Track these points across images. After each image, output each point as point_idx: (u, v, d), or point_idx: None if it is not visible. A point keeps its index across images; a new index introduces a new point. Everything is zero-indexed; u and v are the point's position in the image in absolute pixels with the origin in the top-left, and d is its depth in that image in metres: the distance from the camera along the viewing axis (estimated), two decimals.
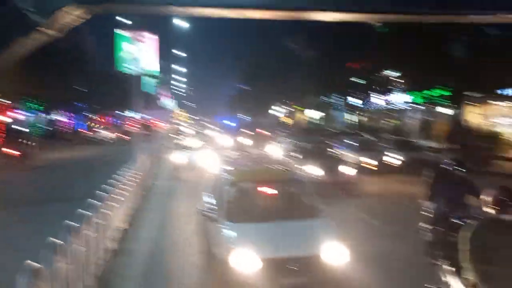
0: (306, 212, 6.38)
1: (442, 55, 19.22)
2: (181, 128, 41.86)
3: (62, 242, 4.45)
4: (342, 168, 13.31)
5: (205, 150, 18.37)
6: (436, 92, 22.43)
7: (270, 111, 62.51)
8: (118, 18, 15.31)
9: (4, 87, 22.18)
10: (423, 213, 6.54)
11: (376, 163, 16.45)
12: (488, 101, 24.99)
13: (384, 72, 28.40)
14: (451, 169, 6.45)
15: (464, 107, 22.30)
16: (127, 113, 67.11)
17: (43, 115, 37.19)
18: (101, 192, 6.88)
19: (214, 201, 6.81)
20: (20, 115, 31.75)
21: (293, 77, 41.32)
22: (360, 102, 33.17)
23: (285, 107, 57.18)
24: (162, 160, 21.79)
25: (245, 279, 5.25)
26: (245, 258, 5.33)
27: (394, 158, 17.16)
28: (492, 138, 22.38)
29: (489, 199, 3.66)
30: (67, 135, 40.24)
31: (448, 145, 22.88)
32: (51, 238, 4.35)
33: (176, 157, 17.45)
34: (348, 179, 13.08)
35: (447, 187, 6.31)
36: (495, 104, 25.27)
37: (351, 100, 36.73)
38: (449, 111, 28.05)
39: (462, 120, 21.63)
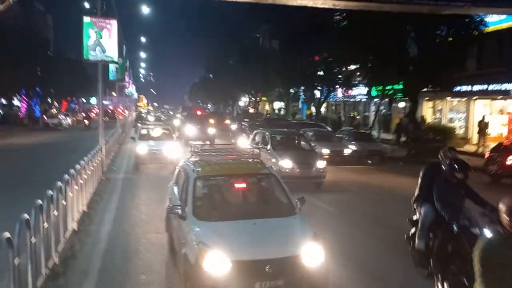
0: (280, 209, 5.91)
1: (400, 51, 20.02)
2: (144, 115, 40.02)
3: (28, 217, 4.65)
4: (311, 160, 12.50)
5: (169, 139, 16.54)
6: (393, 87, 23.33)
7: (239, 102, 62.38)
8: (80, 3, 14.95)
9: None
10: (414, 217, 6.14)
11: (328, 151, 16.74)
12: (441, 96, 26.20)
13: (346, 66, 29.10)
14: (450, 169, 5.64)
15: (418, 102, 23.35)
16: (90, 100, 65.23)
17: None
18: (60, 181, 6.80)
19: (178, 196, 6.31)
20: None
21: (259, 68, 41.48)
22: (320, 94, 33.82)
23: (251, 98, 57.37)
24: (122, 150, 21.58)
25: (217, 284, 4.70)
26: (216, 260, 4.74)
27: (347, 148, 17.90)
28: (444, 132, 23.68)
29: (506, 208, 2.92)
30: (23, 120, 38.93)
31: (400, 137, 24.11)
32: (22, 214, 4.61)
33: (138, 148, 15.60)
34: (317, 171, 12.35)
35: (446, 189, 5.60)
36: (448, 100, 26.59)
37: (316, 92, 37.47)
38: (404, 105, 29.32)
39: (414, 114, 22.65)
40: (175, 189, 6.79)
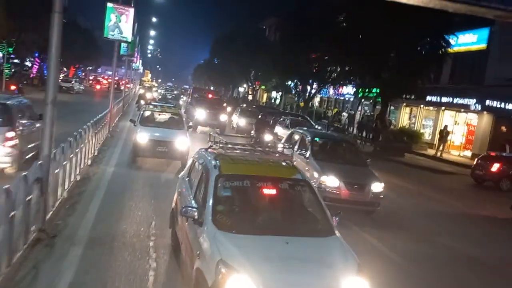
0: (315, 226, 5.03)
1: (378, 60, 22.61)
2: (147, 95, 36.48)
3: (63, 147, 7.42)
4: (365, 181, 9.69)
5: (180, 128, 12.59)
6: (376, 90, 26.00)
7: (239, 88, 64.93)
8: None
9: None
10: None
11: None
12: (416, 104, 28.98)
13: (334, 66, 31.65)
14: None
15: (388, 106, 26.28)
16: (99, 70, 67.58)
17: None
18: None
19: (192, 195, 5.49)
20: None
21: (259, 58, 43.95)
22: (310, 89, 36.46)
23: (250, 85, 59.93)
24: (124, 116, 24.27)
25: None
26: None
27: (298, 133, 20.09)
28: (412, 135, 26.59)
29: None
30: (33, 80, 41.56)
31: (370, 136, 27.02)
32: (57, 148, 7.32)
33: (138, 135, 11.82)
34: (372, 197, 9.57)
35: None
36: (421, 108, 29.38)
37: (308, 87, 40.06)
38: (379, 108, 32.13)
39: (383, 116, 25.41)
40: (188, 184, 5.97)
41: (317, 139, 11.18)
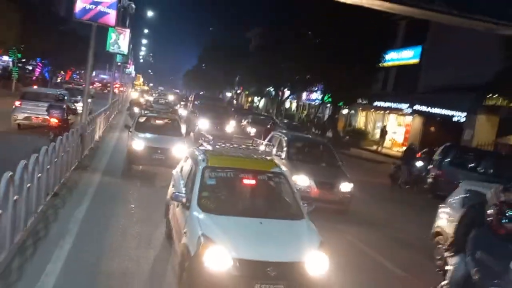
0: (288, 211, 5.84)
1: (327, 73, 27.63)
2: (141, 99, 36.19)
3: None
4: (334, 180, 10.43)
5: (177, 135, 12.40)
6: (328, 96, 31.06)
7: (226, 93, 69.68)
8: None
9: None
10: (446, 267, 5.10)
11: (254, 130, 22.57)
12: (368, 108, 34.18)
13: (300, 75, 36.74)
14: (497, 215, 4.48)
15: (337, 109, 31.59)
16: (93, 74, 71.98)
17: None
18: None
19: (183, 184, 6.25)
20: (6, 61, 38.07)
21: (241, 66, 48.89)
22: (281, 94, 41.60)
23: (236, 90, 64.86)
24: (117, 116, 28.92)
25: (216, 280, 4.62)
26: (218, 256, 4.65)
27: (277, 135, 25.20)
28: (360, 134, 31.82)
29: None
30: (37, 81, 46.27)
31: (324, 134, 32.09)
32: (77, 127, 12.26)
33: (134, 142, 11.50)
34: (340, 195, 10.32)
35: (487, 241, 4.49)
36: (372, 111, 34.59)
37: (286, 92, 45.06)
38: (347, 111, 37.34)
39: (333, 118, 30.62)
40: (180, 176, 6.74)
41: (293, 141, 11.82)
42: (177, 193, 5.69)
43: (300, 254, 4.95)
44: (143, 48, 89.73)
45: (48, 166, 7.03)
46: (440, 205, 8.45)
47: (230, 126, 21.32)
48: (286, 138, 11.86)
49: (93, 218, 7.58)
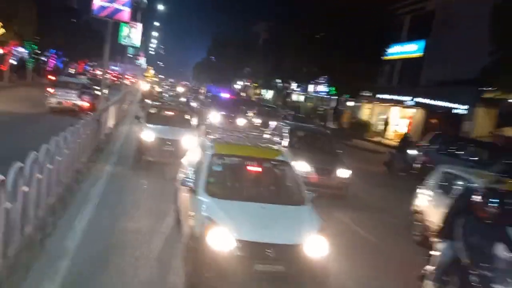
0: (290, 197, 6.06)
1: (331, 67, 28.46)
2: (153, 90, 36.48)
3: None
4: (332, 167, 11.07)
5: (189, 127, 12.48)
6: (332, 89, 31.90)
7: (234, 85, 70.66)
8: None
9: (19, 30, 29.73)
10: (432, 253, 5.26)
11: (260, 121, 22.72)
12: (372, 101, 34.93)
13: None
14: (483, 200, 4.69)
15: (339, 101, 32.47)
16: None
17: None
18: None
19: (192, 169, 6.46)
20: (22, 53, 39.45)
21: (250, 59, 49.86)
22: (294, 87, 42.48)
23: (245, 82, 65.83)
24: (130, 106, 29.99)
25: (218, 259, 4.85)
26: (220, 237, 4.90)
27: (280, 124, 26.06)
28: (364, 125, 32.63)
29: None
30: (52, 72, 47.67)
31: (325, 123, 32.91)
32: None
33: (144, 133, 11.66)
34: (338, 181, 11.01)
35: (475, 226, 4.59)
36: (376, 104, 35.34)
37: (293, 84, 45.93)
38: (352, 104, 38.14)
39: (336, 109, 31.48)
40: (189, 164, 6.99)
41: (295, 131, 12.65)
42: (185, 179, 5.96)
43: (299, 237, 5.15)
44: (154, 41, 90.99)
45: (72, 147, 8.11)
46: (418, 186, 9.36)
47: (242, 119, 21.22)
48: (288, 128, 12.68)
49: (112, 187, 9.12)
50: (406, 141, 17.09)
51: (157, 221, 7.46)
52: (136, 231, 6.90)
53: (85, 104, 17.57)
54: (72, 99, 18.48)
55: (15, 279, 4.59)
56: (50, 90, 19.62)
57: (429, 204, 8.69)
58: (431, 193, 8.83)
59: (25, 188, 4.81)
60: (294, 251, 5.05)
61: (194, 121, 13.29)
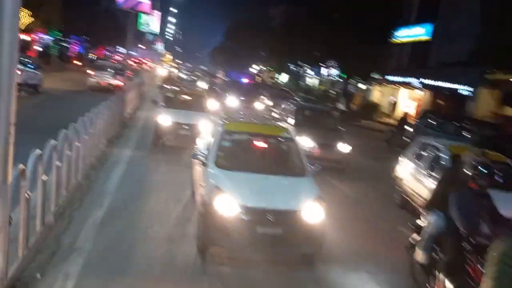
0: (293, 170, 6.53)
1: (342, 50, 29.48)
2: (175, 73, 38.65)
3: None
4: (333, 142, 12.09)
5: (205, 111, 12.65)
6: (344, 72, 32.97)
7: (250, 69, 71.72)
8: None
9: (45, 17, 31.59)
10: (419, 222, 5.56)
11: (271, 103, 23.15)
12: (382, 83, 35.86)
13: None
14: (473, 173, 4.84)
15: (347, 83, 33.43)
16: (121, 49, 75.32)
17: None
18: None
19: (205, 146, 6.97)
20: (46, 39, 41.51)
21: (267, 41, 50.80)
22: (307, 70, 43.52)
23: (260, 66, 66.83)
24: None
25: (224, 222, 5.39)
26: (226, 203, 5.45)
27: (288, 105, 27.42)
28: (373, 107, 33.70)
29: None
30: (74, 59, 49.78)
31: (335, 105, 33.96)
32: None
33: (161, 117, 11.86)
34: (339, 155, 12.02)
35: (467, 197, 4.78)
36: (386, 85, 36.26)
37: (307, 68, 46.99)
38: (365, 87, 39.10)
39: (345, 91, 32.54)
40: (202, 142, 7.65)
41: (300, 109, 13.91)
42: (197, 154, 6.64)
43: (297, 203, 5.64)
44: (171, 26, 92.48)
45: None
46: (400, 156, 10.58)
47: (259, 103, 21.63)
48: (294, 107, 13.92)
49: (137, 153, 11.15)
50: (404, 119, 18.30)
51: (175, 205, 7.75)
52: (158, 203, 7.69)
53: (119, 83, 20.98)
54: (108, 79, 22.67)
55: (73, 209, 6.47)
56: (90, 72, 23.96)
57: (406, 172, 9.72)
58: (408, 161, 9.84)
59: (68, 152, 6.39)
60: (292, 216, 5.55)
61: (211, 104, 13.46)
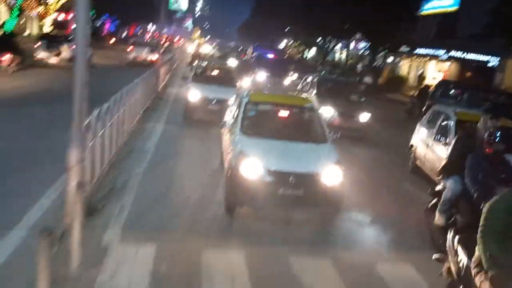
0: (314, 137, 6.91)
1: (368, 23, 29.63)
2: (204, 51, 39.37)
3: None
4: (354, 112, 12.65)
5: (234, 86, 12.64)
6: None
7: (277, 44, 71.79)
8: None
9: None
10: (437, 188, 5.72)
11: (296, 75, 23.22)
12: (410, 56, 35.82)
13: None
14: (488, 138, 4.88)
15: (375, 56, 33.58)
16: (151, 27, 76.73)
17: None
18: None
19: (232, 116, 7.44)
20: None
21: (296, 15, 50.83)
22: (334, 44, 43.70)
23: (288, 41, 66.94)
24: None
25: (249, 184, 5.79)
26: (251, 166, 5.84)
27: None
28: (399, 80, 33.89)
29: None
30: (107, 37, 51.55)
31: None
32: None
33: (191, 93, 12.21)
34: (358, 124, 12.56)
35: (482, 163, 4.81)
36: (413, 59, 36.21)
37: (334, 42, 47.03)
38: (392, 59, 39.11)
39: (372, 64, 32.79)
40: (230, 112, 8.10)
41: (322, 81, 14.52)
42: (224, 121, 7.46)
43: (317, 167, 6.04)
44: (199, 3, 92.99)
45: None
46: (417, 124, 10.72)
47: (287, 78, 21.44)
48: (316, 79, 14.59)
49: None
50: (425, 90, 18.81)
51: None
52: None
53: (155, 58, 22.84)
54: (145, 55, 26.88)
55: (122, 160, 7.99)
56: (129, 48, 28.57)
57: (418, 139, 10.13)
58: (422, 129, 10.20)
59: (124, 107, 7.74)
60: (312, 179, 5.94)
61: (241, 80, 13.50)
